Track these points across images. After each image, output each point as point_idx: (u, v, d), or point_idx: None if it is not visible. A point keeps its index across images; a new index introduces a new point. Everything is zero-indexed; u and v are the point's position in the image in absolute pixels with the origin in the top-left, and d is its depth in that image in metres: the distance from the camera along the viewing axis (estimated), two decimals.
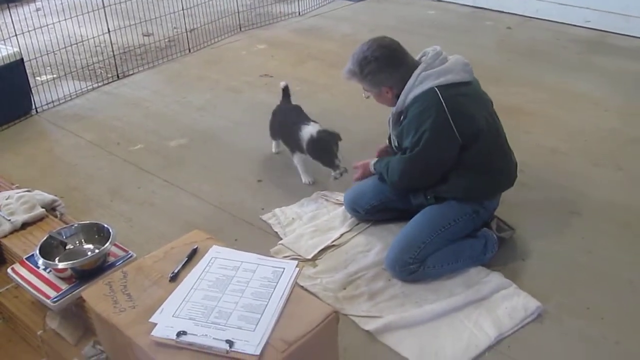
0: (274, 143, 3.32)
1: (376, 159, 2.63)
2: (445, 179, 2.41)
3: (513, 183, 2.53)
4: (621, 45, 4.82)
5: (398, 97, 2.39)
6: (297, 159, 3.05)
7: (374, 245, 2.57)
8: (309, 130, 2.88)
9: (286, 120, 3.12)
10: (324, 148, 2.85)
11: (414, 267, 2.34)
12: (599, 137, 3.44)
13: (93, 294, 1.67)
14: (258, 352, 1.44)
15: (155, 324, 1.53)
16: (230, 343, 1.46)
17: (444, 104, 2.26)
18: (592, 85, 4.08)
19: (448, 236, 2.40)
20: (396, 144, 2.52)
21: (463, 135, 2.29)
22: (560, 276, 2.41)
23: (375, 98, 2.51)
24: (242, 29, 5.41)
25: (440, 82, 2.31)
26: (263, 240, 2.65)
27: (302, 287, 2.27)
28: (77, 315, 1.88)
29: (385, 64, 2.38)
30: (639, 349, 2.07)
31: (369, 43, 2.41)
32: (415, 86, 2.33)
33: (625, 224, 2.70)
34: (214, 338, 1.48)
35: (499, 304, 2.24)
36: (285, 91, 3.28)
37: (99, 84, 4.37)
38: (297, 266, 1.73)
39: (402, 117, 2.42)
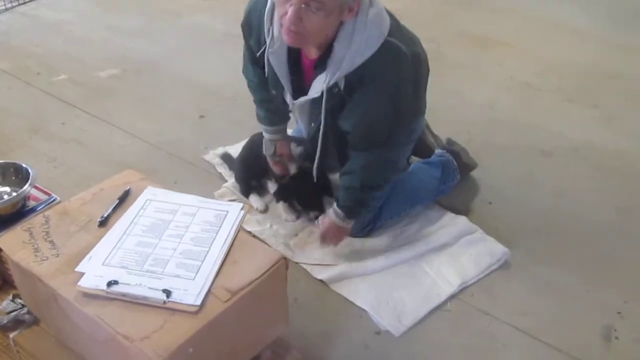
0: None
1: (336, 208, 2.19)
2: None
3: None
4: None
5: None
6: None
7: None
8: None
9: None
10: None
11: (370, 227, 2.34)
12: (575, 72, 3.50)
13: (11, 241, 1.65)
14: (198, 302, 1.45)
15: (83, 274, 1.52)
16: (167, 293, 1.46)
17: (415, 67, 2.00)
18: (572, 14, 4.11)
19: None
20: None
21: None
22: (528, 220, 2.48)
23: (313, 24, 1.78)
24: None
25: (385, 28, 1.87)
26: (206, 182, 2.64)
27: (249, 232, 2.29)
28: None
29: None
30: (607, 296, 2.16)
31: None
32: (367, 36, 1.84)
33: (597, 166, 2.78)
34: (149, 287, 1.48)
35: (463, 251, 2.30)
36: None
37: (13, 4, 4.21)
38: (242, 209, 1.73)
39: (336, 88, 1.94)
